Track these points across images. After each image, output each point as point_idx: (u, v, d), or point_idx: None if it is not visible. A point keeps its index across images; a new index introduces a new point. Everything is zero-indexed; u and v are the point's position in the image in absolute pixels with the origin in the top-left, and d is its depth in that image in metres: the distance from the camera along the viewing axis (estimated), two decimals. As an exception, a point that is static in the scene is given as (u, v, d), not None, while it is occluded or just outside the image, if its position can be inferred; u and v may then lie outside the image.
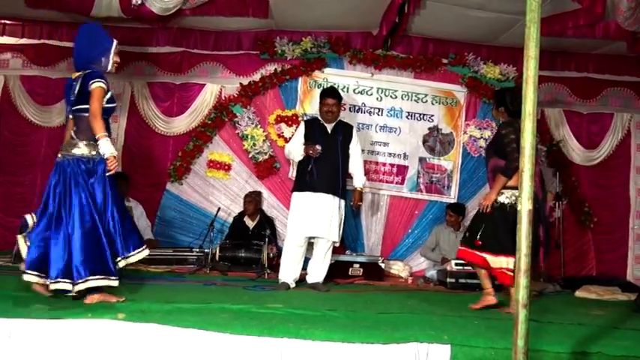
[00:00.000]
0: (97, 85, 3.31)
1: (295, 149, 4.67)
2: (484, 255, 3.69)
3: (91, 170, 3.35)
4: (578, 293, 4.92)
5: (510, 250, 3.50)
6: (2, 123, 6.25)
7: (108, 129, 3.40)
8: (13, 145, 6.32)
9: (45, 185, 3.44)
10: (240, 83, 6.25)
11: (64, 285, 3.16)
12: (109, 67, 3.53)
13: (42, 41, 6.32)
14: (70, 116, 3.46)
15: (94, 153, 3.35)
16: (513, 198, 3.62)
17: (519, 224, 1.93)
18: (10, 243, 5.47)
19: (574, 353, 2.64)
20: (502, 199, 3.69)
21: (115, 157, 3.32)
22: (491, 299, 3.74)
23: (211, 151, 6.28)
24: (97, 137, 3.28)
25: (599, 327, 3.25)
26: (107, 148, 3.27)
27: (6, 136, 6.29)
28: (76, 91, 3.36)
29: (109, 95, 3.42)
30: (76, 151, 3.37)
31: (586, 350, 2.66)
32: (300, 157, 4.61)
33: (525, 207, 1.92)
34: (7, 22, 6.26)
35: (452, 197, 6.27)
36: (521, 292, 1.87)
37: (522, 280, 1.88)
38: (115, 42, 3.54)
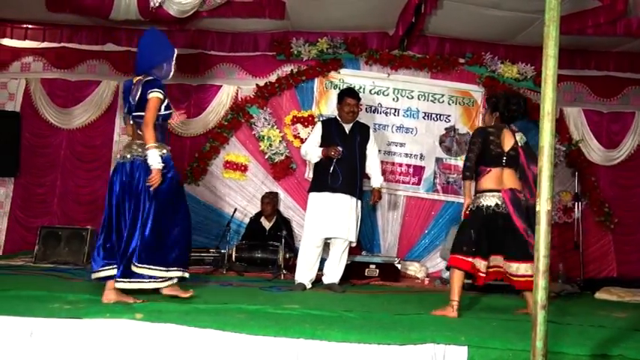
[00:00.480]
0: (154, 95, 3.40)
1: (312, 150, 4.66)
2: (471, 260, 3.51)
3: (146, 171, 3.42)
4: (598, 295, 4.84)
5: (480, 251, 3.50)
6: (23, 125, 6.35)
7: (164, 133, 3.53)
8: (34, 147, 6.42)
9: (108, 186, 3.51)
10: (257, 84, 6.27)
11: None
12: (170, 74, 3.62)
13: (62, 44, 6.43)
14: (131, 121, 3.53)
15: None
16: (492, 200, 3.53)
17: (538, 225, 1.91)
18: (30, 243, 5.59)
19: (594, 356, 2.60)
20: (481, 201, 3.57)
21: (159, 170, 3.38)
22: (452, 312, 3.45)
23: (228, 152, 6.31)
24: (147, 147, 3.36)
25: (621, 329, 3.19)
26: (154, 160, 3.34)
27: (27, 137, 6.40)
28: (136, 98, 3.44)
29: (165, 103, 3.50)
30: (137, 154, 3.43)
31: (607, 353, 2.61)
32: (317, 159, 4.60)
33: (544, 208, 1.90)
34: (30, 26, 6.38)
35: (469, 198, 6.21)
36: (539, 293, 1.85)
37: (541, 282, 1.86)
38: (175, 50, 3.65)
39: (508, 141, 3.60)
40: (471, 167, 3.58)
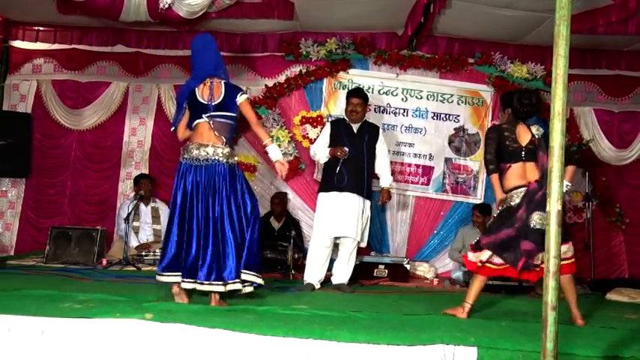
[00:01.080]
0: (245, 97, 3.62)
1: (320, 150, 4.68)
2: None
3: (231, 174, 3.54)
4: (610, 296, 4.80)
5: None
6: (35, 126, 6.40)
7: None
8: (45, 148, 6.48)
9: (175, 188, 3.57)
10: (266, 85, 6.29)
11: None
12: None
13: (72, 46, 6.49)
14: (209, 122, 3.54)
15: (234, 159, 3.61)
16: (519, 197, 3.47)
17: (548, 225, 1.90)
18: (41, 243, 5.63)
19: (605, 357, 2.58)
20: (509, 202, 3.50)
21: (281, 162, 3.59)
22: (461, 313, 3.44)
23: (237, 152, 6.30)
24: (264, 143, 3.62)
25: (632, 330, 3.17)
26: (276, 154, 3.61)
27: (38, 139, 6.45)
28: (219, 99, 3.55)
29: None
30: (215, 155, 3.51)
31: (618, 354, 2.60)
32: (326, 159, 4.63)
33: (554, 208, 1.89)
34: (41, 28, 6.45)
35: (478, 198, 6.19)
36: (550, 294, 1.84)
37: (551, 282, 1.85)
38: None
39: (524, 135, 3.55)
40: (491, 160, 3.57)
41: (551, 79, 1.91)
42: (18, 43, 6.50)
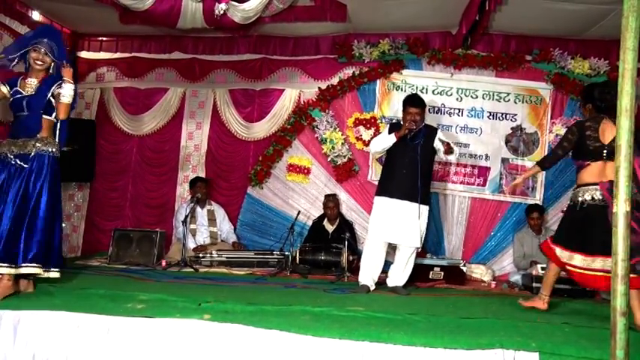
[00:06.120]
0: None
1: (383, 137, 4.56)
2: (554, 247, 3.59)
3: None
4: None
5: (575, 247, 3.48)
6: (98, 132, 6.69)
7: None
8: (108, 153, 6.76)
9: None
10: (319, 87, 6.32)
11: None
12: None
13: (133, 54, 6.77)
14: None
15: None
16: (588, 194, 3.46)
17: (615, 227, 1.82)
18: (105, 244, 5.87)
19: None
20: (577, 197, 3.53)
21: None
22: (541, 304, 3.66)
23: (291, 155, 6.39)
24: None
25: None
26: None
27: (101, 144, 6.74)
28: None
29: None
30: None
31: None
32: (391, 143, 4.50)
33: (622, 209, 1.81)
34: (104, 38, 6.79)
35: (537, 199, 5.99)
36: (618, 299, 1.76)
37: (620, 287, 1.77)
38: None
39: (609, 132, 3.37)
40: (551, 160, 3.56)
41: (617, 74, 1.83)
42: (84, 54, 6.84)
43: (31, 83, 3.53)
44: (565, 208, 3.83)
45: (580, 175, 3.54)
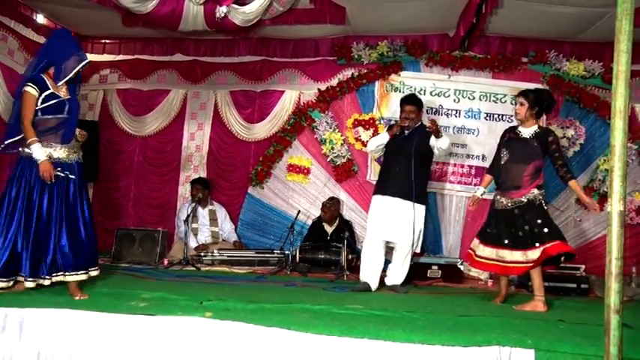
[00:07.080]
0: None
1: (380, 137, 4.72)
2: None
3: None
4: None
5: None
6: (101, 133, 6.71)
7: None
8: (111, 154, 6.80)
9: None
10: (318, 89, 6.37)
11: None
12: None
13: (135, 56, 6.82)
14: None
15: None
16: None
17: (610, 226, 1.87)
18: (108, 243, 5.89)
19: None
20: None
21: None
22: (542, 307, 3.79)
23: (291, 155, 6.43)
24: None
25: None
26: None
27: (105, 145, 6.77)
28: None
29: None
30: None
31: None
32: (386, 139, 4.61)
33: (616, 208, 1.86)
34: (107, 41, 6.83)
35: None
36: (612, 296, 1.81)
37: (614, 285, 1.82)
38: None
39: None
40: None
41: (611, 75, 1.88)
42: (87, 56, 6.84)
43: (62, 87, 3.57)
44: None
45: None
